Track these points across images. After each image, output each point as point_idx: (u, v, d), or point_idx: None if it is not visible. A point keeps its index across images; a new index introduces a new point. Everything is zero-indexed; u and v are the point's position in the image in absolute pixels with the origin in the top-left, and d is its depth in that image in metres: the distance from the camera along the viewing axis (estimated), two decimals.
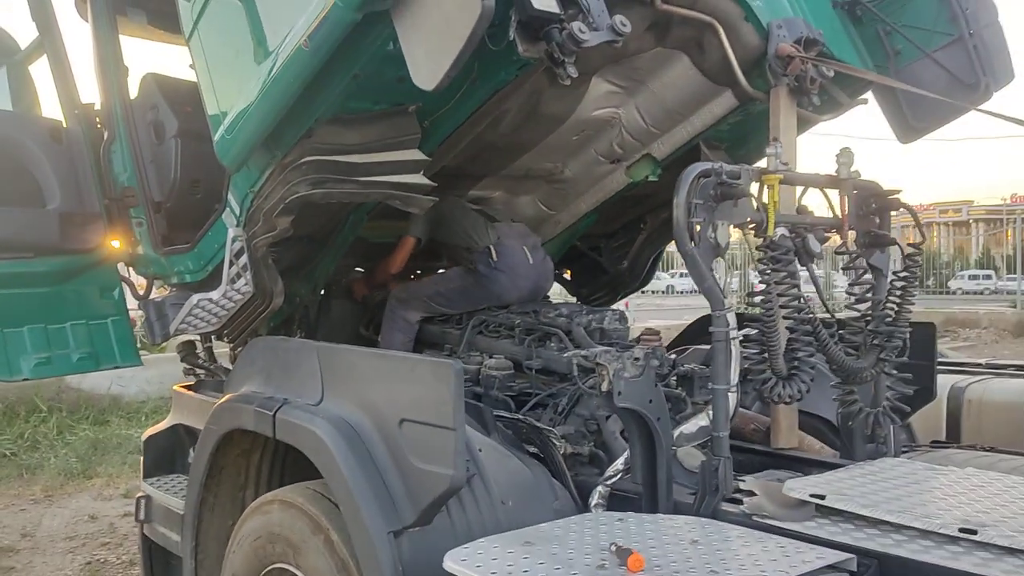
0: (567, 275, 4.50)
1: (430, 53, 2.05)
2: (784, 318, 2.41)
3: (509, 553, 1.90)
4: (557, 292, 4.74)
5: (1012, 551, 1.82)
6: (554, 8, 2.21)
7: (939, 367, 4.82)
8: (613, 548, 1.85)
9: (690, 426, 2.41)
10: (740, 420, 3.16)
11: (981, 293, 34.20)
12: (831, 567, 1.86)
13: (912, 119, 3.27)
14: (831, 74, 2.93)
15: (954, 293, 31.33)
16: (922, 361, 3.22)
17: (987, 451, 3.15)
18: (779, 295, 2.38)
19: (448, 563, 1.87)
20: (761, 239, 2.38)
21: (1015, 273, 21.28)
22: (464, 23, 1.92)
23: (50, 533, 5.56)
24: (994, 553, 1.84)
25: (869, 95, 3.33)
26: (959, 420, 4.06)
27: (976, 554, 1.85)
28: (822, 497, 2.13)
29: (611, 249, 4.19)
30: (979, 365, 4.99)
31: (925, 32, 3.20)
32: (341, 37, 2.21)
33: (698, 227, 2.26)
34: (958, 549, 1.88)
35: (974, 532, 1.89)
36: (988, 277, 38.14)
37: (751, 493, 2.22)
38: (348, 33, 2.21)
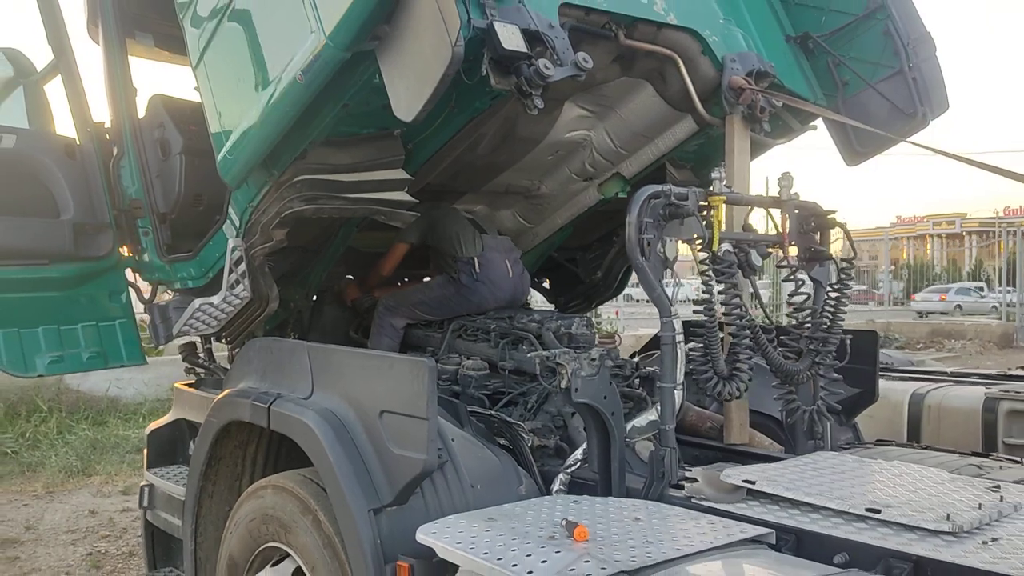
0: (546, 284, 4.78)
1: (409, 89, 2.33)
2: (727, 324, 2.70)
3: (473, 527, 2.17)
4: (540, 301, 5.03)
5: (909, 527, 2.10)
6: (522, 47, 2.48)
7: (904, 374, 5.13)
8: (563, 523, 2.13)
9: (641, 420, 2.69)
10: (698, 419, 3.45)
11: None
12: (752, 539, 2.14)
13: (857, 144, 3.55)
14: (780, 104, 3.23)
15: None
16: (865, 366, 3.54)
17: (922, 448, 3.43)
18: (722, 304, 2.67)
19: (420, 536, 2.14)
20: (706, 254, 2.66)
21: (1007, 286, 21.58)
22: (438, 66, 2.20)
23: (52, 526, 5.81)
24: (894, 529, 2.11)
25: (819, 121, 3.62)
26: (920, 424, 4.34)
27: (878, 530, 2.12)
28: (753, 482, 2.40)
29: (586, 260, 4.47)
30: (941, 373, 5.29)
31: (870, 65, 3.48)
32: (332, 72, 2.49)
33: (648, 243, 2.54)
34: (863, 525, 2.15)
35: (878, 511, 2.16)
36: (980, 289, 38.50)
37: (693, 480, 2.50)
38: (338, 69, 2.49)
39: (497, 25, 2.42)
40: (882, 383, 4.64)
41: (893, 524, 2.13)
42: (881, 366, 5.58)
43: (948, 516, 2.08)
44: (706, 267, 2.64)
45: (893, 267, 38.87)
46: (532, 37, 2.51)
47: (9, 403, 8.56)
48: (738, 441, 3.18)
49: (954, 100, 3.44)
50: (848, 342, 3.17)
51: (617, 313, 16.01)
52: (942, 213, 63.18)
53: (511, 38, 2.44)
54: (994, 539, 2.04)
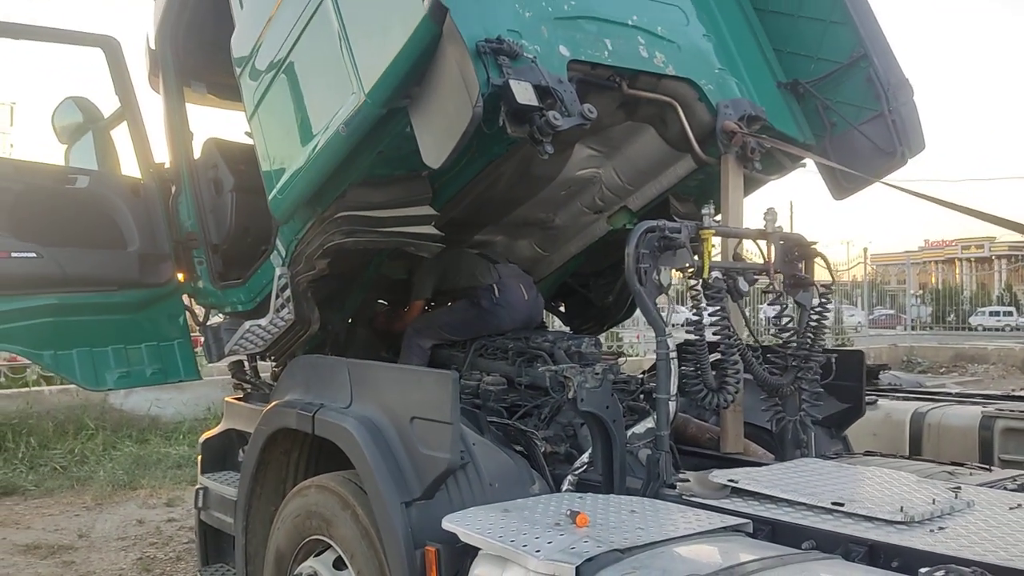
0: (562, 308, 5.14)
1: (436, 141, 2.72)
2: (716, 344, 3.05)
3: (491, 517, 2.52)
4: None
5: (868, 518, 2.42)
6: (534, 101, 2.84)
7: (907, 394, 5.42)
8: (567, 512, 2.48)
9: (640, 427, 3.04)
10: (698, 431, 3.78)
11: (1002, 330, 34.26)
12: (732, 528, 2.48)
13: (843, 180, 3.88)
14: (768, 146, 3.58)
15: (975, 329, 31.48)
16: (851, 383, 3.85)
17: (905, 458, 3.74)
18: (712, 325, 3.02)
19: (445, 524, 2.50)
20: (697, 280, 3.01)
21: None
22: (460, 122, 2.58)
23: (103, 534, 6.23)
24: (855, 519, 2.43)
25: (808, 159, 3.96)
26: (920, 441, 4.63)
27: (841, 520, 2.44)
28: (736, 481, 2.74)
29: (598, 286, 4.82)
30: (944, 393, 5.57)
31: (854, 107, 3.79)
32: (370, 125, 2.90)
33: (645, 271, 2.90)
34: (829, 517, 2.47)
35: (842, 504, 2.49)
36: (1009, 314, 38.15)
37: (685, 480, 2.84)
38: (375, 122, 2.89)
39: (512, 82, 2.78)
40: (885, 403, 4.95)
41: (854, 515, 2.44)
42: (888, 387, 5.90)
43: (902, 508, 2.40)
44: (696, 292, 2.99)
45: (922, 291, 38.68)
46: (543, 91, 2.84)
47: (58, 422, 9.04)
48: (733, 450, 3.49)
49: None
50: (833, 360, 3.51)
51: (639, 336, 16.32)
52: (971, 237, 62.54)
53: (524, 93, 2.80)
54: (941, 528, 2.36)
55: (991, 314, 37.13)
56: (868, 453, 4.02)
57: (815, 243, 3.33)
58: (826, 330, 3.30)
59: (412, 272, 4.31)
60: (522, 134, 2.86)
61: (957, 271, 60.18)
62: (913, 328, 25.72)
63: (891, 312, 32.64)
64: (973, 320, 32.71)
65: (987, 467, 3.36)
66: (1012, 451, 4.29)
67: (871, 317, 28.07)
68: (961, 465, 3.49)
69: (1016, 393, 6.55)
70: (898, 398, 5.09)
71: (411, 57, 2.66)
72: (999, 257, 56.34)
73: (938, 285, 45.57)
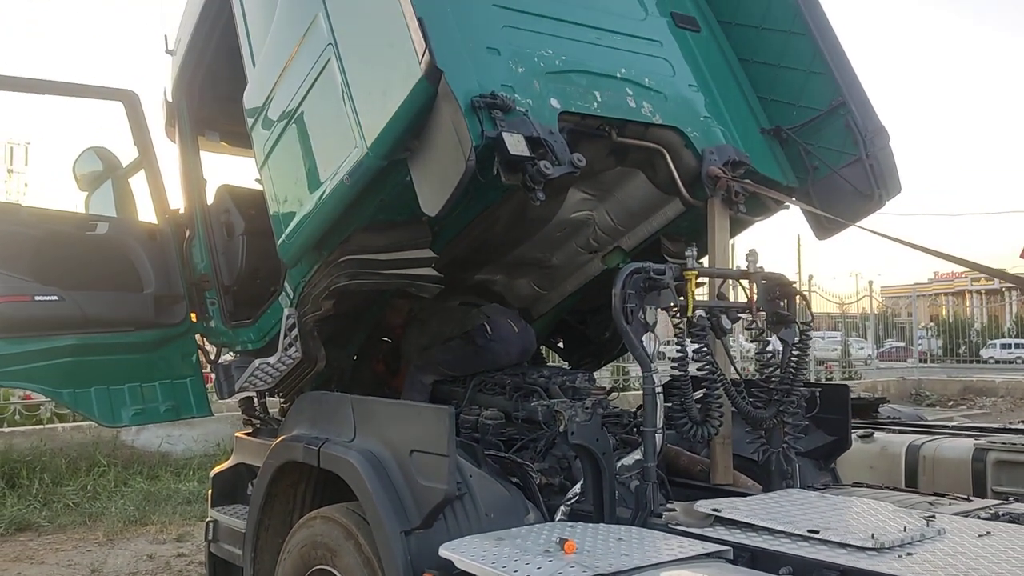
0: (560, 344, 5.31)
1: (433, 190, 2.91)
2: (700, 379, 3.20)
3: (485, 544, 2.66)
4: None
5: (841, 544, 2.56)
6: (525, 152, 3.02)
7: (903, 427, 5.53)
8: (557, 540, 2.63)
9: (628, 459, 3.17)
10: (690, 462, 3.91)
11: (1013, 362, 34.11)
12: (713, 554, 2.62)
13: (825, 221, 4.06)
14: (751, 190, 3.76)
15: (986, 361, 31.35)
16: (838, 416, 3.99)
17: (890, 489, 3.85)
18: (696, 361, 3.18)
19: (443, 551, 2.64)
20: (681, 319, 3.18)
21: None
22: (455, 174, 2.78)
23: (115, 569, 6.35)
24: (828, 546, 2.56)
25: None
26: (916, 474, 4.73)
27: (816, 547, 2.58)
28: (719, 510, 2.88)
29: (595, 322, 4.97)
30: (941, 426, 5.68)
31: (834, 152, 3.97)
32: (372, 176, 3.10)
33: (631, 311, 3.07)
34: (806, 544, 2.61)
35: (817, 532, 2.63)
36: (1020, 346, 37.96)
37: (672, 509, 2.99)
38: (376, 173, 3.09)
39: (505, 135, 2.97)
40: (881, 436, 5.06)
41: (828, 542, 2.58)
42: (887, 420, 6.02)
43: (873, 535, 2.54)
44: (680, 330, 3.15)
45: (933, 323, 38.52)
46: (535, 142, 3.02)
47: (71, 458, 9.19)
48: (723, 482, 3.62)
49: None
50: (818, 394, 3.65)
51: None
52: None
53: (516, 145, 2.99)
54: (909, 554, 2.49)
55: (1002, 346, 36.97)
56: (856, 484, 4.13)
57: (795, 282, 3.50)
58: (807, 365, 3.44)
59: (409, 321, 4.51)
60: (515, 182, 3.03)
61: (967, 303, 59.86)
62: (922, 361, 25.64)
63: (901, 345, 32.53)
64: (984, 352, 32.59)
65: (966, 497, 3.48)
66: (1005, 483, 4.37)
67: (881, 350, 28.01)
68: (943, 496, 3.61)
69: (1012, 426, 6.65)
70: (894, 431, 5.19)
71: (409, 114, 2.87)
72: (1009, 289, 55.95)
73: (949, 317, 45.39)
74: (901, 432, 5.11)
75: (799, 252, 20.18)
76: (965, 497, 3.50)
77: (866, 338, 26.92)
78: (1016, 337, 39.53)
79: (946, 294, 59.69)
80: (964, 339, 31.69)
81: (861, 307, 24.02)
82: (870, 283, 22.08)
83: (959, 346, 30.06)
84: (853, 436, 4.90)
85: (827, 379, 18.85)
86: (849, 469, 4.77)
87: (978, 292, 59.52)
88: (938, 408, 17.57)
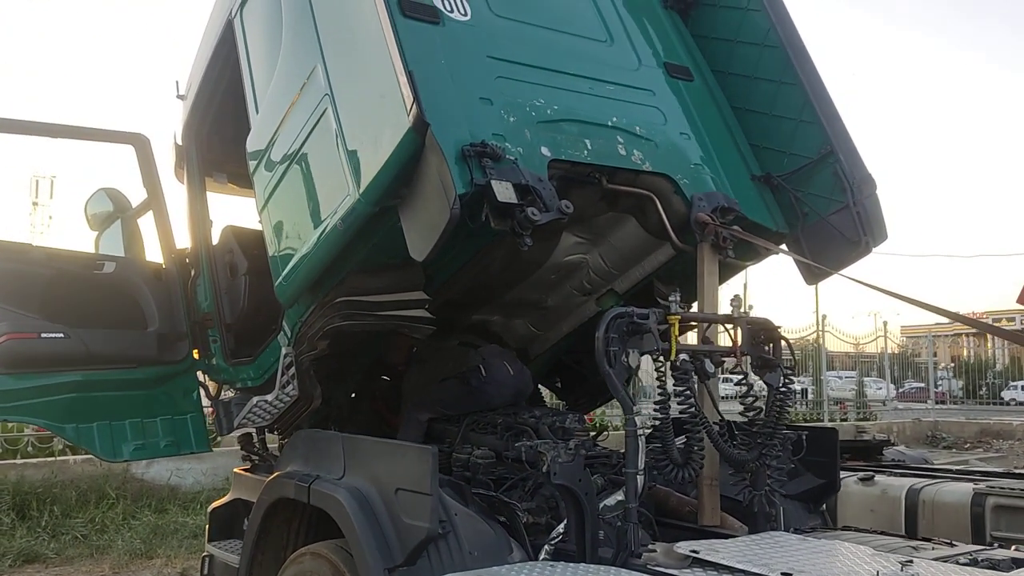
0: (558, 384, 5.37)
1: (420, 236, 3.02)
2: (683, 422, 3.26)
3: None
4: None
5: None
6: (513, 199, 3.11)
7: (905, 471, 5.53)
8: None
9: (611, 500, 3.24)
10: (678, 503, 3.95)
11: None
12: None
13: (813, 268, 4.13)
14: (738, 237, 3.83)
15: (1007, 403, 30.90)
16: (826, 459, 4.02)
17: (879, 533, 3.86)
18: (679, 404, 3.24)
19: None
20: (664, 363, 3.24)
21: None
22: (441, 220, 2.88)
23: None
24: None
25: (783, 245, 4.20)
26: (916, 518, 4.73)
27: None
28: (697, 552, 2.92)
29: (591, 363, 5.00)
30: (944, 471, 5.67)
31: (823, 199, 4.04)
32: (364, 221, 3.21)
33: (614, 354, 3.14)
34: None
35: (790, 575, 2.67)
36: None
37: (652, 551, 3.03)
38: (368, 218, 3.21)
39: (494, 182, 3.06)
40: (882, 479, 5.08)
41: None
42: (890, 463, 6.01)
43: None
44: (661, 374, 3.22)
45: (953, 364, 38.02)
46: (523, 190, 3.12)
47: (81, 491, 9.27)
48: (710, 523, 3.65)
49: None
50: (804, 438, 3.70)
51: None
52: (1002, 309, 61.50)
53: (504, 192, 3.09)
54: None
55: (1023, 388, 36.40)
56: (845, 528, 4.15)
57: (779, 327, 3.56)
58: (790, 408, 3.48)
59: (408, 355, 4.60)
60: (504, 227, 3.12)
61: (989, 344, 58.98)
62: (941, 402, 25.35)
63: (922, 386, 32.15)
64: (1005, 394, 32.12)
65: (949, 542, 3.49)
66: (1004, 528, 4.37)
67: (901, 390, 27.70)
68: (928, 540, 3.63)
69: (1015, 471, 6.60)
70: (896, 474, 5.20)
71: (398, 163, 2.99)
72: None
73: (969, 358, 44.77)
74: (903, 475, 5.12)
75: (816, 291, 20.15)
76: (949, 542, 3.52)
77: (883, 379, 26.69)
78: None
79: (967, 335, 59.00)
80: (984, 380, 31.29)
81: (879, 347, 23.87)
82: (884, 324, 22.02)
83: (980, 387, 29.68)
84: (854, 479, 4.94)
85: (841, 419, 18.72)
86: (850, 512, 4.78)
87: None
88: (954, 450, 17.35)
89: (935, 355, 36.24)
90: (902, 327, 34.91)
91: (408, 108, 2.88)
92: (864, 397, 22.61)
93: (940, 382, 29.19)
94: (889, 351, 23.84)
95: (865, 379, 24.79)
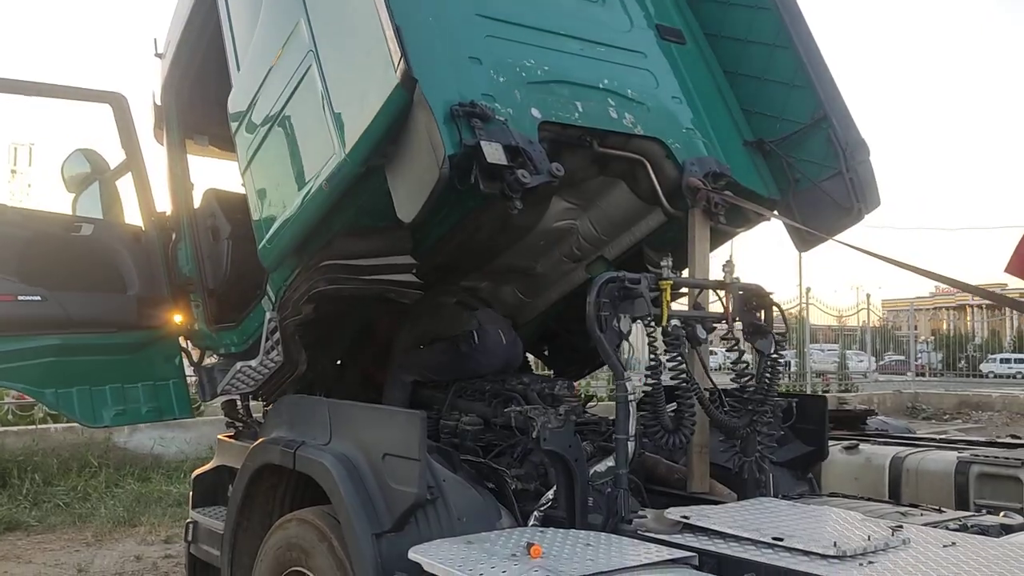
0: (545, 351, 5.33)
1: (408, 197, 2.95)
2: (674, 388, 3.23)
3: (454, 548, 2.69)
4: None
5: (804, 552, 2.58)
6: (503, 160, 3.04)
7: (889, 440, 5.55)
8: (524, 544, 2.65)
9: (601, 466, 3.21)
10: (667, 471, 3.93)
11: (1013, 377, 34.06)
12: (678, 560, 2.63)
13: (805, 234, 4.08)
14: (730, 202, 3.78)
15: (985, 376, 31.31)
16: (815, 427, 4.01)
17: (866, 500, 3.87)
18: (670, 370, 3.21)
19: (411, 554, 2.66)
20: (655, 328, 3.20)
21: None
22: (429, 181, 2.81)
23: (102, 570, 6.37)
24: (792, 553, 2.59)
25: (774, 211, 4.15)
26: (899, 486, 4.75)
27: (780, 554, 2.60)
28: (688, 517, 2.90)
29: (580, 331, 4.96)
30: (927, 439, 5.69)
31: (815, 165, 3.99)
32: (350, 181, 3.13)
33: (605, 320, 3.09)
34: (770, 551, 2.63)
35: (781, 540, 2.65)
36: (1021, 361, 37.89)
37: (642, 516, 3.00)
38: (355, 178, 3.13)
39: (483, 143, 2.99)
40: (866, 447, 5.08)
41: (792, 550, 2.60)
42: (873, 432, 6.04)
43: (835, 544, 2.56)
44: (653, 339, 3.18)
45: (933, 337, 38.47)
46: (513, 151, 3.05)
47: (62, 459, 9.22)
48: (699, 490, 3.64)
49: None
50: (794, 404, 3.68)
51: (641, 380, 16.37)
52: (981, 284, 62.06)
53: (494, 153, 3.02)
54: (871, 562, 2.51)
55: (1002, 361, 36.93)
56: (832, 495, 4.16)
57: (772, 293, 3.52)
58: (780, 375, 3.46)
59: (396, 321, 4.52)
60: (494, 190, 3.05)
61: (968, 317, 59.71)
62: (921, 375, 25.66)
63: (902, 358, 32.53)
64: (984, 367, 32.54)
65: (939, 509, 3.50)
66: (987, 496, 4.38)
67: (882, 363, 28.02)
68: (916, 507, 3.63)
69: (997, 440, 6.65)
70: (880, 443, 5.21)
71: (385, 121, 2.90)
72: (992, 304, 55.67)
73: (949, 331, 45.32)
74: (886, 444, 5.13)
75: (800, 264, 20.26)
76: (938, 508, 3.52)
77: (865, 351, 26.97)
78: (1016, 352, 39.48)
79: (947, 308, 59.63)
80: (964, 353, 31.67)
81: (861, 320, 24.09)
82: (867, 296, 22.15)
83: (959, 360, 30.05)
84: (838, 447, 4.94)
85: (823, 391, 18.87)
86: (834, 480, 4.78)
87: (979, 307, 59.38)
88: (933, 421, 17.57)
89: (915, 328, 36.68)
90: (883, 300, 35.29)
91: (395, 64, 2.79)
92: (846, 369, 22.82)
93: (920, 355, 29.54)
94: (871, 324, 24.07)
95: (847, 352, 25.01)
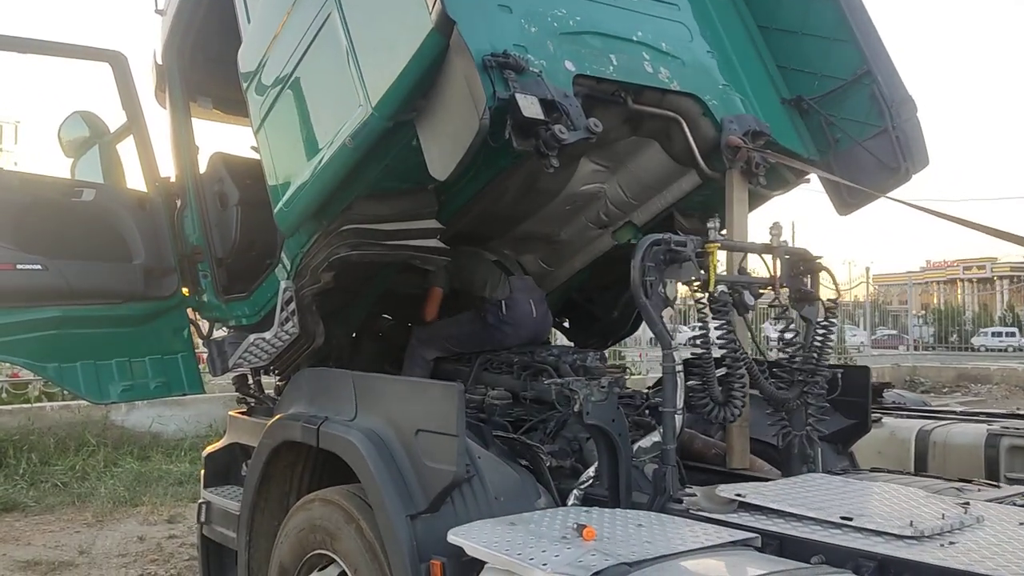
0: (566, 323, 5.13)
1: (442, 153, 2.73)
2: (722, 358, 3.04)
3: (497, 530, 2.50)
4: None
5: (877, 532, 2.40)
6: (539, 115, 2.84)
7: (911, 413, 5.40)
8: (574, 526, 2.46)
9: (646, 441, 3.03)
10: (704, 447, 3.76)
11: (1004, 350, 34.21)
12: (740, 542, 2.46)
13: (847, 195, 3.89)
14: (773, 161, 3.58)
15: (977, 350, 31.42)
16: (858, 399, 3.84)
17: (912, 474, 3.71)
18: (718, 339, 3.01)
19: (451, 537, 2.48)
20: (703, 294, 3.01)
21: None
22: (467, 134, 2.60)
23: (104, 551, 6.18)
24: (864, 534, 2.41)
25: (812, 175, 3.96)
26: (926, 459, 4.60)
27: (850, 535, 2.42)
28: (743, 496, 2.72)
29: (603, 301, 4.80)
30: (950, 411, 5.54)
31: (858, 124, 3.81)
32: (376, 138, 2.91)
33: (650, 284, 2.90)
34: (838, 531, 2.45)
35: (851, 519, 2.47)
36: (1011, 334, 38.11)
37: (692, 495, 2.82)
38: (381, 135, 2.90)
39: (518, 96, 2.79)
40: (891, 421, 4.93)
41: (863, 530, 2.42)
42: (893, 404, 5.88)
43: (911, 523, 2.39)
44: (702, 306, 2.98)
45: (924, 311, 38.59)
46: (549, 105, 2.86)
47: (59, 438, 9.01)
48: (739, 466, 3.47)
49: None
50: (840, 376, 3.49)
51: (641, 355, 16.31)
52: (972, 258, 62.33)
53: (530, 107, 2.82)
54: (952, 543, 2.34)
55: (993, 334, 37.19)
56: (875, 470, 4.00)
57: (820, 257, 3.33)
58: (831, 345, 3.28)
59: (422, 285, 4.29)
60: (528, 147, 2.88)
61: (959, 292, 59.93)
62: (915, 348, 25.69)
63: (893, 332, 32.60)
64: (975, 341, 32.73)
65: (995, 484, 3.34)
66: (1018, 469, 4.25)
67: (874, 337, 28.06)
68: (969, 482, 3.47)
69: (1021, 412, 6.52)
70: (903, 416, 5.07)
71: (418, 70, 2.68)
72: (1001, 278, 56.20)
73: (940, 305, 45.51)
74: (910, 417, 4.99)
75: (793, 238, 20.10)
76: (995, 484, 3.37)
77: (859, 325, 26.97)
78: (1007, 326, 39.68)
79: (938, 282, 59.84)
80: (955, 327, 31.76)
81: (854, 295, 24.05)
82: (867, 270, 22.08)
83: (951, 334, 30.14)
84: None
85: None
86: (857, 454, 4.65)
87: (969, 281, 59.68)
88: (933, 395, 17.52)
89: (906, 302, 36.76)
90: (874, 276, 35.46)
91: (430, 6, 2.56)
92: (844, 343, 22.78)
93: (912, 329, 29.61)
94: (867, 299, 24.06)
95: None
